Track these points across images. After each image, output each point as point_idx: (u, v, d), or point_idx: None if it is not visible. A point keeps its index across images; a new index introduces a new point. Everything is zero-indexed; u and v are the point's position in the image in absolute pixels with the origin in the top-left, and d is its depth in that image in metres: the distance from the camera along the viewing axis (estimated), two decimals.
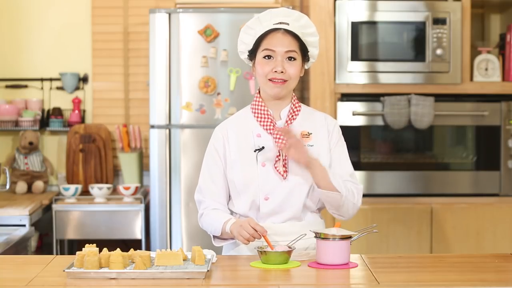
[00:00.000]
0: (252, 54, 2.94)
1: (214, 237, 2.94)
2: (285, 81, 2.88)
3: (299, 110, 2.96)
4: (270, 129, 2.90)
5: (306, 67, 3.00)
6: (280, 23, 2.88)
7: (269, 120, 2.92)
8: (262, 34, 2.89)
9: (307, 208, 2.93)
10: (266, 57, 2.88)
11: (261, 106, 2.93)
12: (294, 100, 2.96)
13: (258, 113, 2.94)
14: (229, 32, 4.75)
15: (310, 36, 2.95)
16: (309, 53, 2.96)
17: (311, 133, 2.94)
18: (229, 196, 2.98)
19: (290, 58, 2.87)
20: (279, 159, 2.88)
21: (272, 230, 2.87)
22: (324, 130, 2.96)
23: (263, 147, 2.90)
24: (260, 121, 2.92)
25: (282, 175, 2.87)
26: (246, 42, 2.97)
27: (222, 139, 2.96)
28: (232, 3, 4.83)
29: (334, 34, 4.78)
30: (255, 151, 2.90)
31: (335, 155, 2.96)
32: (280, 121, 2.93)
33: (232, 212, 2.97)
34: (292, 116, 2.93)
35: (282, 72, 2.86)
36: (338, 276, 2.57)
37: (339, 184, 2.84)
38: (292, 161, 2.87)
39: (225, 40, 4.76)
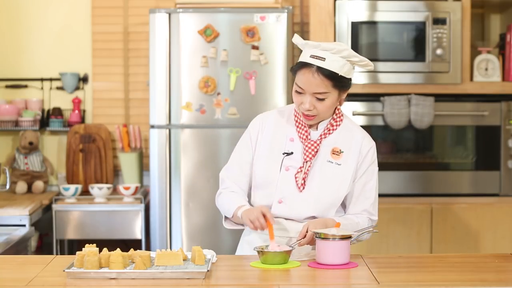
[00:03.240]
0: (293, 73, 2.89)
1: (225, 218, 2.97)
2: (314, 116, 2.86)
3: (339, 125, 2.93)
4: (303, 138, 2.90)
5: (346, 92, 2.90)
6: (317, 57, 2.80)
7: (305, 129, 2.91)
8: (299, 64, 2.84)
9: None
10: (297, 92, 2.85)
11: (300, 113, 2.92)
12: (336, 115, 2.93)
13: (298, 118, 2.93)
14: (229, 32, 4.75)
15: (359, 62, 2.87)
16: (363, 69, 2.91)
17: (342, 152, 2.91)
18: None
19: (319, 99, 2.82)
20: (301, 171, 2.88)
21: (282, 225, 2.89)
22: (356, 152, 2.93)
23: (292, 153, 2.90)
24: (297, 127, 2.92)
25: (299, 188, 2.88)
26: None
27: (259, 129, 2.98)
28: (232, 3, 4.83)
29: (334, 34, 4.78)
30: (283, 154, 2.91)
31: (360, 184, 2.94)
32: (316, 132, 2.92)
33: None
34: (329, 130, 2.91)
35: (309, 110, 2.84)
36: (338, 276, 2.58)
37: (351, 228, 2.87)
38: (313, 177, 2.88)
39: (225, 40, 4.75)
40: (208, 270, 2.52)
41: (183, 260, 2.62)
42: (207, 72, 4.77)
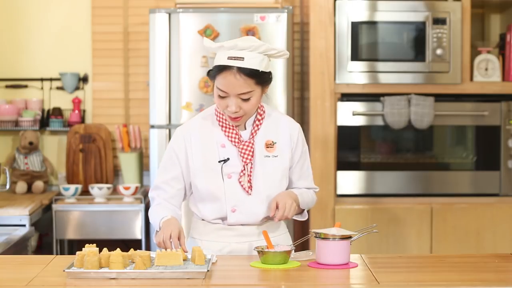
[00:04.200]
0: (212, 77, 2.85)
1: (156, 232, 2.90)
2: (241, 116, 2.83)
3: (264, 118, 2.92)
4: (235, 142, 2.87)
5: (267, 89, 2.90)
6: (235, 58, 2.76)
7: (234, 132, 2.87)
8: (217, 68, 2.79)
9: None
10: (220, 96, 2.80)
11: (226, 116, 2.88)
12: (259, 109, 2.91)
13: (223, 122, 2.88)
14: (229, 32, 4.75)
15: (276, 54, 2.83)
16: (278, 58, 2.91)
17: (275, 143, 2.91)
18: (191, 197, 2.97)
19: (244, 99, 2.79)
20: (244, 174, 2.86)
21: (239, 231, 2.90)
22: (287, 139, 2.93)
23: (228, 159, 2.87)
24: (225, 131, 2.88)
25: (247, 191, 2.86)
26: (209, 50, 2.95)
27: (184, 143, 2.90)
28: (232, 3, 4.83)
29: (334, 34, 4.78)
30: (219, 162, 2.87)
31: (298, 168, 2.96)
32: (245, 131, 2.89)
33: (194, 214, 2.98)
34: (257, 126, 2.89)
35: (236, 112, 2.80)
36: (338, 276, 2.58)
37: (305, 204, 2.93)
38: (257, 176, 2.87)
39: (225, 40, 4.72)
40: (208, 270, 2.52)
41: (183, 260, 2.62)
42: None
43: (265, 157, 2.88)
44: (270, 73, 2.84)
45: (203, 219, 2.94)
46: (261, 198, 2.88)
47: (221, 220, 2.91)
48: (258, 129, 2.90)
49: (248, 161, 2.85)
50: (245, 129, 2.90)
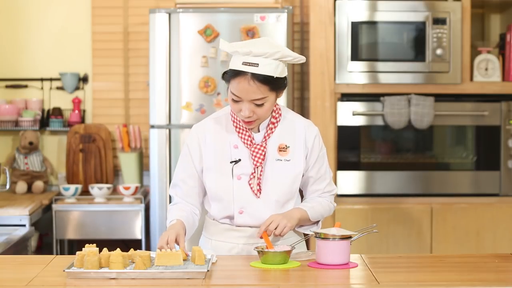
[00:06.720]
0: (226, 81, 2.83)
1: None
2: (254, 120, 2.81)
3: (279, 121, 2.89)
4: (247, 143, 2.86)
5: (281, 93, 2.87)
6: (249, 64, 2.73)
7: (247, 133, 2.86)
8: (232, 73, 2.76)
9: None
10: (234, 100, 2.78)
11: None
12: (274, 112, 2.89)
13: (237, 124, 2.88)
14: (229, 32, 4.75)
15: (292, 60, 2.80)
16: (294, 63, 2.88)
17: (289, 147, 2.88)
18: (206, 196, 2.98)
19: (257, 105, 2.77)
20: (254, 177, 2.85)
21: (247, 232, 2.89)
22: (302, 143, 2.90)
23: (239, 160, 2.86)
24: (238, 132, 2.87)
25: (256, 194, 2.86)
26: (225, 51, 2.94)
27: (198, 141, 2.90)
28: (232, 3, 4.83)
29: (334, 34, 4.78)
30: (231, 163, 2.87)
31: (314, 172, 2.92)
32: (258, 134, 2.88)
33: (208, 213, 2.99)
34: (271, 130, 2.88)
35: (249, 116, 2.79)
36: (338, 276, 2.58)
37: (319, 215, 2.92)
38: (267, 179, 2.86)
39: (225, 40, 4.74)
40: (208, 270, 2.52)
41: (183, 260, 2.62)
42: (207, 72, 4.77)
43: (277, 161, 2.87)
44: (285, 78, 2.82)
45: (214, 219, 2.95)
46: (269, 202, 2.86)
47: (229, 220, 2.91)
48: (272, 132, 2.88)
49: (258, 164, 2.84)
50: (259, 131, 2.89)
